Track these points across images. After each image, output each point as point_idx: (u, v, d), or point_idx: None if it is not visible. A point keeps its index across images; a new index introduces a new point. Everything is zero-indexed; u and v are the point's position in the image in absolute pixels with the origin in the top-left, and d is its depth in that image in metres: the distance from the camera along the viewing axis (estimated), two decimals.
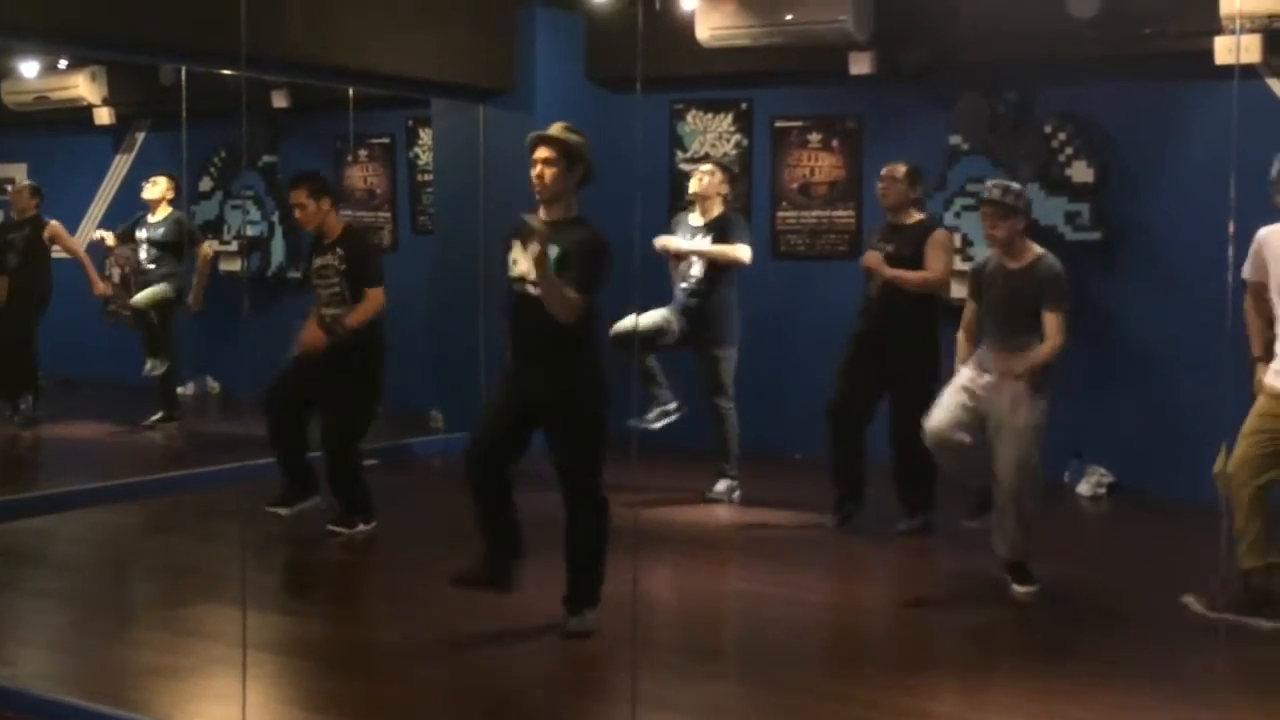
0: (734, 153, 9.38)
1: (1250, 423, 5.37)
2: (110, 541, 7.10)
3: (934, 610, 5.78)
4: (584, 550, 5.23)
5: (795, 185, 9.14)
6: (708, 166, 7.85)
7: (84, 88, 10.56)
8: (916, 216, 7.00)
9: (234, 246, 10.98)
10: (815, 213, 9.06)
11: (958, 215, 8.24)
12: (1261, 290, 5.50)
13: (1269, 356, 5.41)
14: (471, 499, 5.22)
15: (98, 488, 7.82)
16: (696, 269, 7.54)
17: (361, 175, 10.93)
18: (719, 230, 7.55)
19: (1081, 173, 7.99)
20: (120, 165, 11.92)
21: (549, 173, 5.14)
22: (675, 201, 9.60)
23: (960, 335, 6.06)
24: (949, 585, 6.12)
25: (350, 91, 9.87)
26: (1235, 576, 5.37)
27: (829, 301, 8.58)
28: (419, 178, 10.69)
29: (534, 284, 5.03)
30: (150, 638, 5.35)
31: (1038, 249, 5.88)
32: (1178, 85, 7.83)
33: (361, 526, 6.74)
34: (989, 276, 5.87)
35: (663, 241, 7.59)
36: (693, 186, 7.72)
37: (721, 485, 7.69)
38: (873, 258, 6.84)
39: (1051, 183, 8.05)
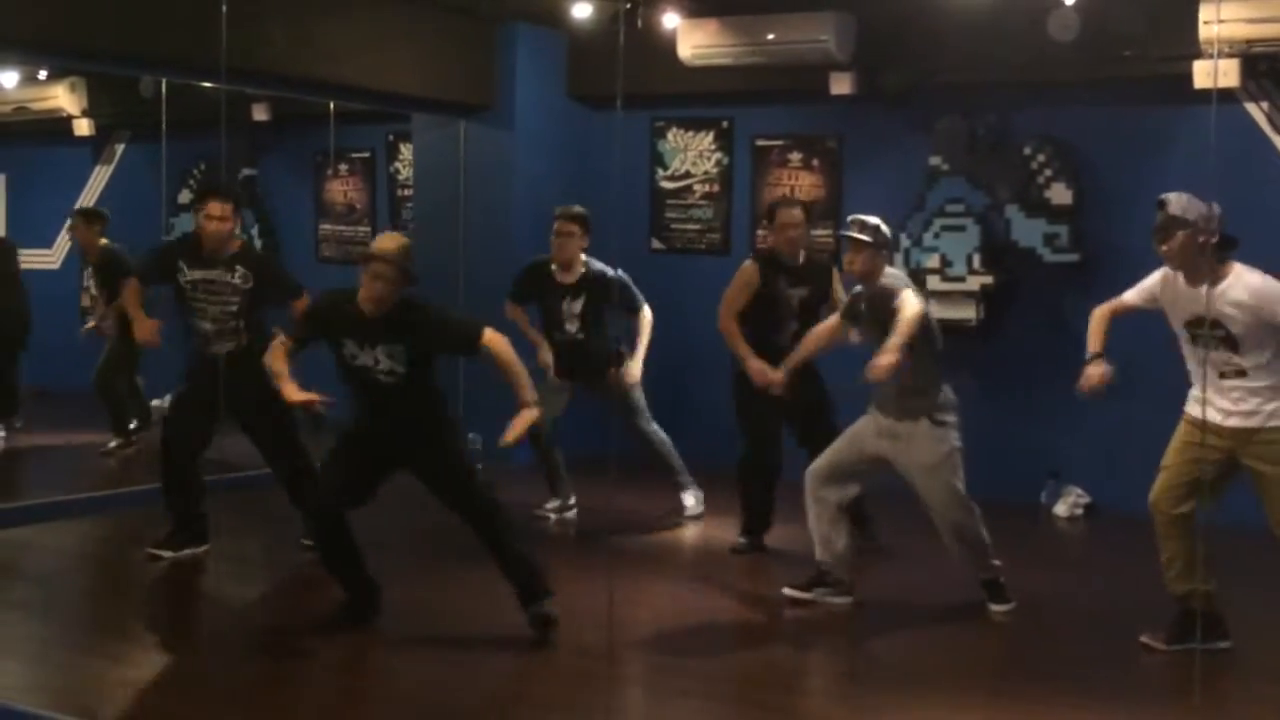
0: (714, 170, 9.40)
1: (1171, 455, 5.33)
2: (86, 554, 7.05)
3: (910, 628, 5.77)
4: (507, 551, 5.40)
5: (771, 204, 9.13)
6: (566, 226, 7.42)
7: (63, 99, 10.51)
8: (815, 254, 7.16)
9: None
10: None
11: (937, 236, 8.27)
12: (1127, 312, 5.47)
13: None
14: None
15: (74, 500, 7.78)
16: (575, 308, 7.43)
17: (341, 189, 10.91)
18: (590, 290, 7.42)
19: (1060, 195, 8.03)
20: (100, 176, 11.85)
21: (383, 288, 5.22)
22: (656, 220, 9.63)
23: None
24: (926, 602, 6.12)
25: (331, 106, 9.86)
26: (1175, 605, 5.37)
27: None
28: (399, 192, 10.68)
29: (383, 374, 5.27)
30: (125, 651, 5.32)
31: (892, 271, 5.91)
32: (1157, 109, 7.88)
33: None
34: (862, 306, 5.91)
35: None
36: (556, 250, 7.45)
37: (690, 499, 7.71)
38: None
39: (1030, 204, 8.09)
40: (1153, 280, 5.38)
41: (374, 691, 4.89)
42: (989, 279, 8.14)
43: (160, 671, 5.10)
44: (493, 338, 5.31)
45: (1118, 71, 7.81)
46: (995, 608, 5.82)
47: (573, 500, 7.81)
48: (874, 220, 5.82)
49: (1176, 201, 5.15)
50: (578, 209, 7.59)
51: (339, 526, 5.41)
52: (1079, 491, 8.04)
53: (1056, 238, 8.03)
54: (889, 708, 4.81)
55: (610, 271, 7.50)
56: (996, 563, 5.86)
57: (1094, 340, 5.49)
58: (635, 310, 7.54)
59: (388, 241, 5.37)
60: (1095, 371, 5.40)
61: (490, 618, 5.53)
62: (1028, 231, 8.08)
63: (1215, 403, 5.17)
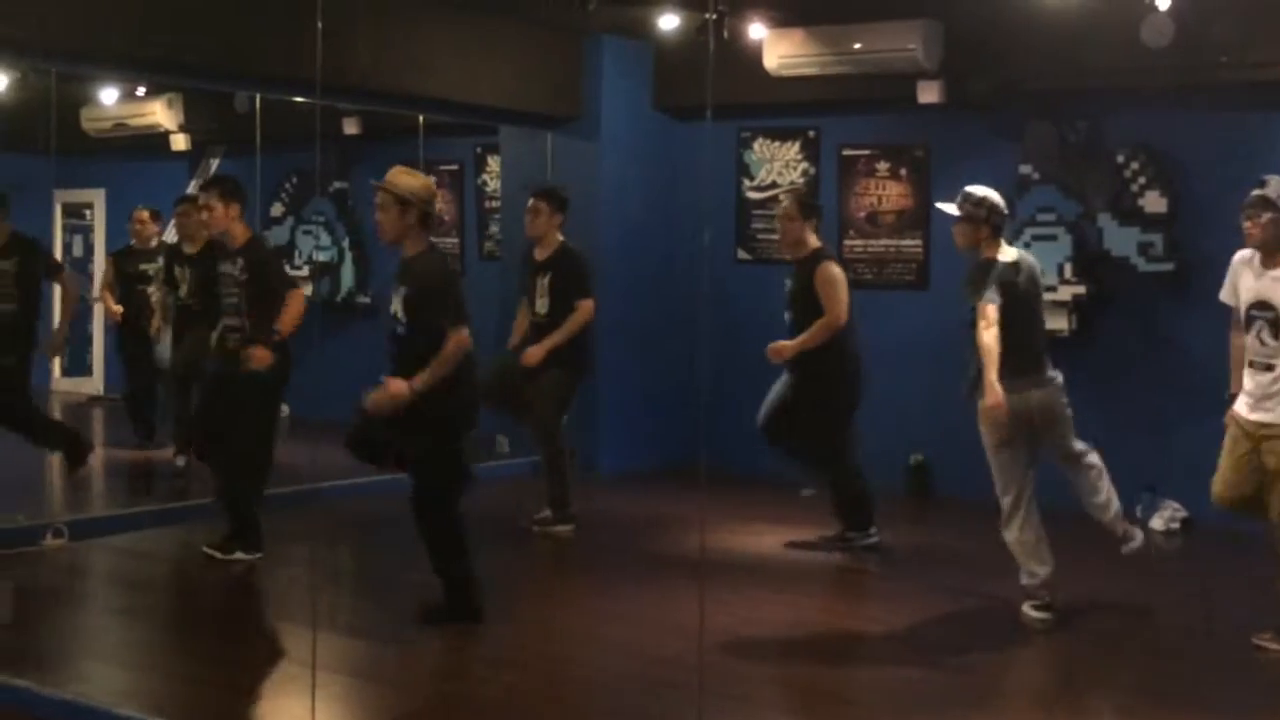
0: (801, 180, 9.37)
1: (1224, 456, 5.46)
2: (182, 560, 7.18)
3: (1001, 640, 5.70)
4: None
5: (862, 214, 9.11)
6: (530, 202, 7.53)
7: (161, 114, 10.74)
8: (812, 246, 7.05)
9: (305, 271, 11.12)
10: (883, 241, 9.03)
11: (1027, 245, 8.15)
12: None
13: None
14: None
15: (170, 508, 7.93)
16: (544, 284, 7.41)
17: None
18: (557, 268, 7.40)
19: (1155, 203, 7.91)
20: (195, 191, 12.11)
21: (383, 218, 5.41)
22: (742, 230, 9.62)
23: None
24: (1005, 618, 6.04)
25: (420, 118, 9.98)
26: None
27: (897, 330, 8.56)
28: (486, 204, 10.78)
29: (399, 324, 5.39)
30: (220, 655, 5.41)
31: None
32: (1252, 115, 7.74)
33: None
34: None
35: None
36: (526, 226, 7.53)
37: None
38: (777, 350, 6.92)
39: (1124, 213, 7.97)
40: (1230, 270, 5.53)
41: (466, 698, 4.92)
42: (1081, 289, 8.04)
43: (257, 678, 5.18)
44: (456, 345, 5.31)
45: (1212, 77, 7.67)
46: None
47: (561, 527, 7.52)
48: (979, 192, 5.86)
49: (1275, 184, 5.30)
50: (551, 186, 7.72)
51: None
52: (1176, 505, 7.90)
53: (1151, 246, 7.91)
54: None
55: (580, 253, 7.53)
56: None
57: (1235, 378, 5.57)
58: (579, 296, 7.38)
59: (392, 171, 5.50)
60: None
61: (577, 628, 5.54)
62: (1121, 240, 7.97)
63: (1245, 390, 5.36)
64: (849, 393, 7.00)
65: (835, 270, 6.94)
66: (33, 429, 7.75)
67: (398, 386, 5.26)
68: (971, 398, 5.69)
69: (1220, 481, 5.50)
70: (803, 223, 6.99)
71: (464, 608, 5.59)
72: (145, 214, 9.75)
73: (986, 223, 5.83)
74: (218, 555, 6.71)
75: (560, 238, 7.51)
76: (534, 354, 7.29)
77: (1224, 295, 5.59)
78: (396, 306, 5.44)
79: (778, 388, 7.12)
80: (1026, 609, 5.79)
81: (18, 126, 11.09)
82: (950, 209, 5.89)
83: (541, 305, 7.40)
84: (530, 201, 7.55)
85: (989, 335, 5.55)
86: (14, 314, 7.57)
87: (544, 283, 7.39)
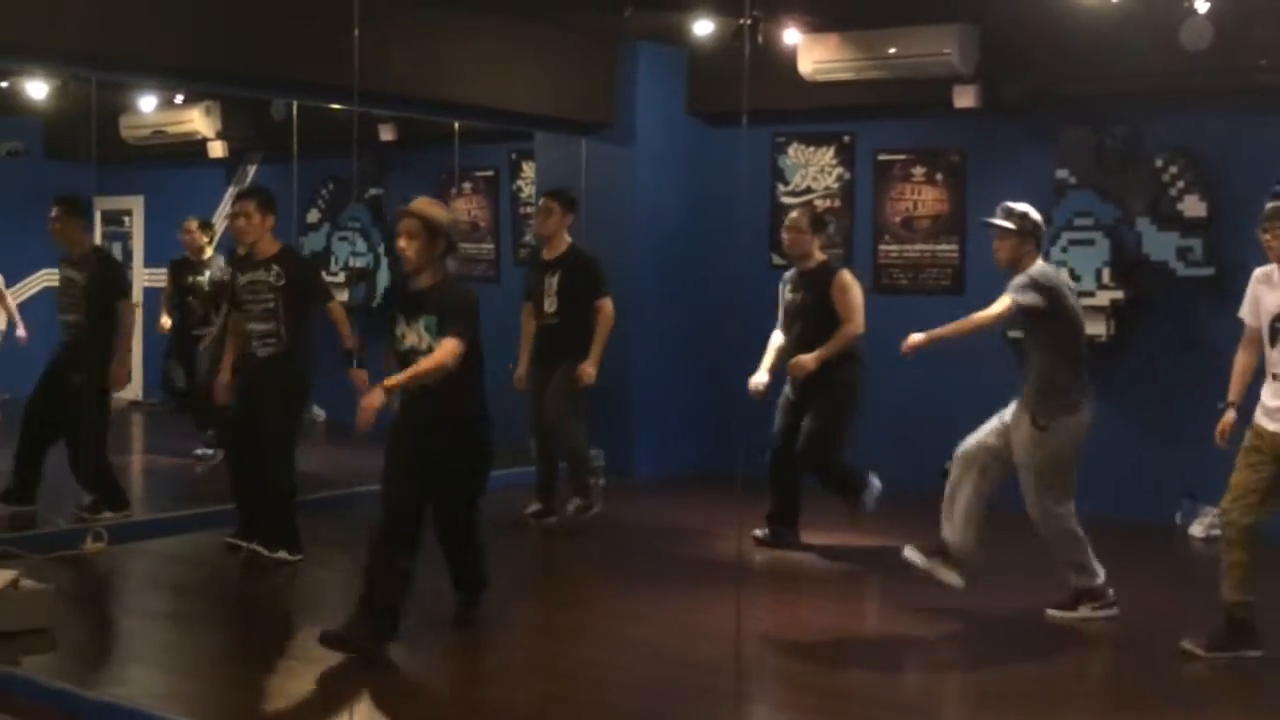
0: (836, 186, 9.36)
1: (1239, 463, 5.43)
2: (221, 564, 7.22)
3: (1038, 648, 5.67)
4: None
5: (898, 219, 9.08)
6: (541, 202, 7.64)
7: (199, 122, 10.83)
8: (819, 259, 7.08)
9: (341, 278, 11.18)
10: (918, 246, 9.00)
11: (1064, 250, 8.13)
12: (1255, 335, 5.50)
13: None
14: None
15: (210, 512, 7.97)
16: (553, 284, 7.45)
17: (466, 208, 11.07)
18: (566, 268, 7.45)
19: (1194, 207, 7.85)
20: (233, 198, 12.19)
21: (411, 246, 5.30)
22: (776, 235, 9.60)
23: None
24: (1040, 624, 6.01)
25: (456, 125, 10.02)
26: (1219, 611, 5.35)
27: None
28: (522, 210, 10.81)
29: (424, 353, 5.24)
30: (259, 660, 5.44)
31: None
32: None
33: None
34: None
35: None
36: (537, 226, 7.63)
37: (570, 508, 7.63)
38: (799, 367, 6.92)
39: (1162, 217, 7.92)
40: (1250, 287, 5.53)
41: (499, 704, 4.93)
42: (1119, 294, 7.99)
43: (296, 683, 5.20)
44: (451, 349, 5.18)
45: (1252, 80, 7.61)
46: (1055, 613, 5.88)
47: (553, 518, 7.69)
48: (1021, 207, 5.88)
49: None
50: (561, 188, 7.77)
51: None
52: (1216, 512, 7.81)
53: (1190, 251, 7.86)
54: None
55: (590, 253, 7.58)
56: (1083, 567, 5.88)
57: (1234, 389, 5.62)
58: (596, 297, 7.45)
59: (419, 201, 5.44)
60: (1227, 421, 5.57)
61: (609, 632, 5.55)
62: (1160, 245, 7.91)
63: (1267, 404, 5.31)
64: (860, 399, 7.10)
65: (850, 278, 7.03)
66: (80, 459, 7.51)
67: (374, 397, 5.11)
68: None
69: (1233, 501, 5.40)
70: (811, 235, 7.07)
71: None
72: (194, 224, 9.80)
73: (1032, 236, 5.84)
74: (242, 545, 6.80)
75: (569, 239, 7.57)
76: (589, 370, 7.38)
77: (1244, 313, 5.56)
78: (415, 336, 5.31)
79: (782, 416, 7.15)
80: (1085, 610, 5.85)
81: (59, 134, 11.24)
82: (1002, 222, 5.85)
83: (549, 304, 7.46)
84: (541, 201, 7.64)
85: (988, 312, 5.70)
86: (79, 325, 7.42)
87: (553, 281, 7.45)
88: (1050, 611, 5.85)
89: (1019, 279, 5.79)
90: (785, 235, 7.22)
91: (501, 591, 6.15)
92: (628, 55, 9.37)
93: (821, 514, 7.40)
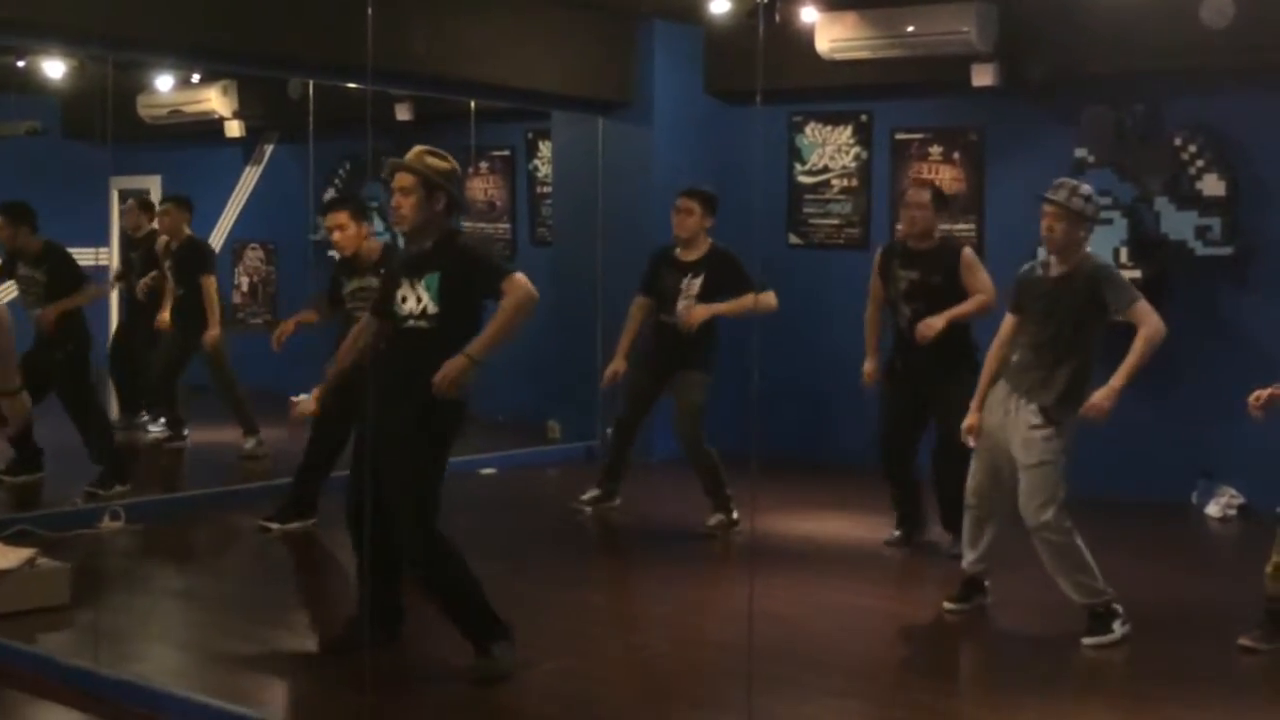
0: (853, 165, 9.32)
1: None
2: (238, 544, 7.26)
3: (1051, 631, 5.66)
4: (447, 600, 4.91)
5: (903, 188, 9.03)
6: (686, 203, 7.18)
7: (216, 101, 10.82)
8: (938, 237, 6.74)
9: None
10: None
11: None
12: None
13: None
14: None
15: (225, 491, 8.02)
16: (694, 287, 7.13)
17: (482, 187, 11.07)
18: (711, 269, 7.11)
19: (1213, 186, 7.80)
20: (250, 176, 12.22)
21: (406, 203, 4.79)
22: (794, 215, 9.58)
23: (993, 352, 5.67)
24: (1050, 604, 5.99)
25: (472, 104, 10.01)
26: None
27: None
28: (538, 190, 10.80)
29: (424, 318, 4.77)
30: (276, 638, 5.47)
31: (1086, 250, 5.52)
32: None
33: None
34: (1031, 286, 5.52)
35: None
36: (675, 228, 7.20)
37: (712, 520, 7.31)
38: (929, 328, 6.43)
39: (1181, 196, 7.87)
40: None
41: (513, 682, 4.94)
42: (1137, 273, 7.94)
43: (314, 661, 5.23)
44: (520, 282, 4.73)
45: (1273, 59, 7.54)
46: (1089, 640, 5.37)
47: (618, 501, 7.61)
48: (1086, 188, 5.42)
49: None
50: (702, 187, 7.38)
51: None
52: (1233, 492, 7.80)
53: (1209, 230, 7.81)
54: (1028, 709, 4.73)
55: (733, 252, 7.21)
56: (1099, 588, 5.43)
57: None
58: (746, 293, 7.03)
59: (414, 151, 4.89)
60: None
61: (625, 611, 5.56)
62: (1178, 224, 7.87)
63: None
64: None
65: (975, 255, 6.72)
66: (88, 430, 7.76)
67: (456, 369, 4.67)
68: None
69: None
70: (935, 213, 6.68)
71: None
72: (134, 203, 10.04)
73: (1093, 221, 5.43)
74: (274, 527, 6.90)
75: (709, 240, 7.22)
76: (698, 311, 7.02)
77: None
78: (415, 299, 4.80)
79: (893, 408, 6.78)
80: (1119, 628, 5.44)
81: (76, 114, 11.24)
82: (1067, 203, 5.34)
83: (684, 305, 7.13)
84: (680, 200, 7.24)
85: (1154, 326, 5.30)
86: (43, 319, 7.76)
87: (695, 284, 7.11)
88: (1087, 642, 5.36)
89: (1117, 275, 5.41)
90: (909, 213, 6.71)
91: (517, 570, 6.18)
92: (645, 34, 9.34)
93: (828, 494, 7.38)
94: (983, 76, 8.32)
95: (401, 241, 10.76)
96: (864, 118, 9.28)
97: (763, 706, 4.50)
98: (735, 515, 7.23)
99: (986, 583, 5.75)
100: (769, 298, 7.14)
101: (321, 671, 5.08)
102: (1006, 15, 8.21)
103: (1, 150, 10.90)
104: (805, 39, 8.60)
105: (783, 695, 4.74)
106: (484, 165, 11.04)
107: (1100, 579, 5.40)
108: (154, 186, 12.16)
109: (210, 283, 8.92)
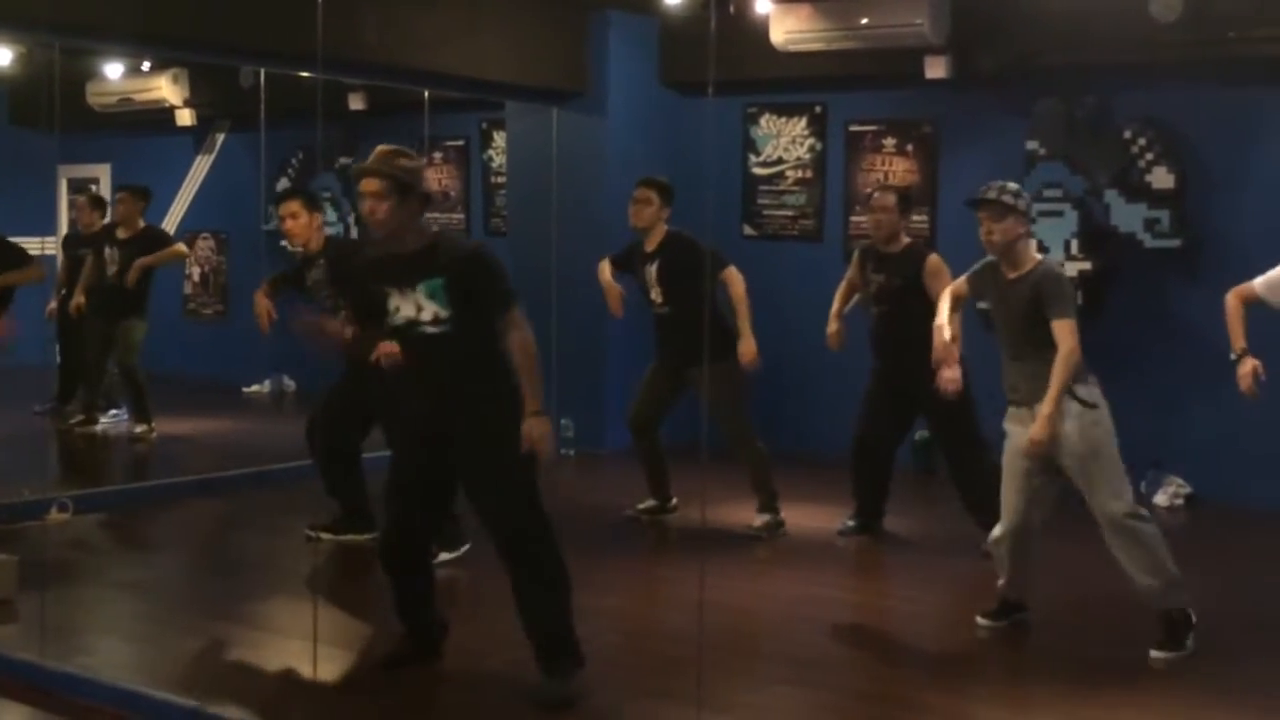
0: (807, 156, 9.34)
1: None
2: (186, 535, 7.21)
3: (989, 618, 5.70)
4: (542, 619, 4.72)
5: (869, 190, 9.05)
6: (642, 193, 7.11)
7: (166, 89, 10.72)
8: (905, 241, 6.77)
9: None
10: None
11: (1033, 221, 8.08)
12: (1253, 301, 5.22)
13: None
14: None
15: (174, 483, 7.96)
16: (652, 273, 7.08)
17: (436, 178, 11.02)
18: (664, 254, 7.04)
19: (1162, 179, 7.87)
20: (201, 166, 12.12)
21: (381, 208, 4.54)
22: (748, 206, 9.60)
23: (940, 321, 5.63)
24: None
25: (426, 94, 9.95)
26: None
27: None
28: (492, 180, 10.77)
29: (430, 323, 4.56)
30: (225, 630, 5.43)
31: (1037, 255, 5.45)
32: (1261, 90, 7.70)
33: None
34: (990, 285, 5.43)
35: None
36: (632, 218, 7.12)
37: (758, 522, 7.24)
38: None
39: (1131, 189, 7.94)
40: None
41: (468, 673, 4.92)
42: (1087, 265, 8.01)
43: (266, 650, 5.19)
44: (522, 322, 4.57)
45: (1222, 52, 7.62)
46: (1158, 654, 5.15)
47: (674, 501, 7.44)
48: (1014, 185, 5.33)
49: None
50: (657, 178, 7.29)
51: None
52: (1180, 481, 7.89)
53: (1158, 223, 7.88)
54: (988, 697, 4.76)
55: (689, 235, 7.11)
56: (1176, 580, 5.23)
57: (1236, 336, 5.20)
58: (702, 274, 6.72)
59: (380, 152, 4.67)
60: (1247, 370, 5.15)
61: (577, 604, 5.55)
62: (1128, 216, 7.93)
63: None
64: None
65: (941, 262, 6.62)
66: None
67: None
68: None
69: None
70: (900, 216, 6.71)
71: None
72: (83, 200, 10.03)
73: (1027, 215, 5.30)
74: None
75: (666, 227, 7.13)
76: (748, 347, 6.94)
77: (1261, 289, 5.21)
78: (413, 306, 4.56)
79: (871, 403, 6.81)
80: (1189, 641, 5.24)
81: (23, 101, 11.11)
82: (1005, 199, 5.21)
83: (656, 295, 7.06)
84: (638, 190, 7.17)
85: (1071, 345, 5.16)
86: None
87: (651, 271, 7.05)
88: (1157, 655, 5.13)
89: (1060, 284, 5.22)
90: (873, 216, 6.76)
91: (469, 562, 6.17)
92: (599, 24, 9.32)
93: (779, 483, 7.39)
94: (936, 69, 8.36)
95: (355, 234, 10.80)
96: (818, 109, 9.31)
97: (713, 696, 4.51)
98: (781, 516, 7.14)
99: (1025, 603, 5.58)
100: (733, 274, 6.97)
101: (276, 661, 5.05)
102: (959, 8, 8.25)
103: None
104: (760, 30, 8.62)
105: (733, 685, 4.76)
106: (438, 155, 10.99)
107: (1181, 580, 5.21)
108: (103, 175, 12.05)
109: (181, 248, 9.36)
